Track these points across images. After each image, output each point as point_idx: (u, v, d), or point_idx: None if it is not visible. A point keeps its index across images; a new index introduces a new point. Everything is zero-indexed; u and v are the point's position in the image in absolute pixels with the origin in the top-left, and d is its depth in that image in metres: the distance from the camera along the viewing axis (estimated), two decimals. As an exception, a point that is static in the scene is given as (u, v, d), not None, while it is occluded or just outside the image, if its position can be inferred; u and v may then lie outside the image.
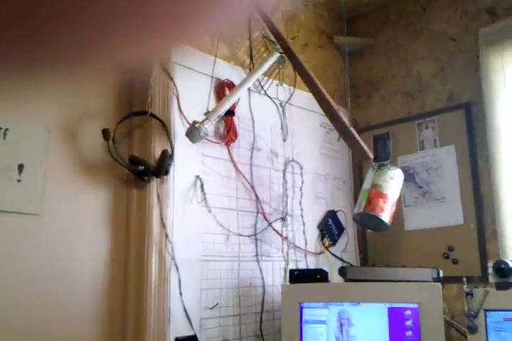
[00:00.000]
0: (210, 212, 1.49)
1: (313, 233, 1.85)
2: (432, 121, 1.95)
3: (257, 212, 1.64)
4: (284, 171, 1.79)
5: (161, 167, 1.32)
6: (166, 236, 1.33)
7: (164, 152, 1.34)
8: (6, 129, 1.16)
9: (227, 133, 1.60)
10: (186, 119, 1.47)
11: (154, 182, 1.34)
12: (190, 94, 1.51)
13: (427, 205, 1.89)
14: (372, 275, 1.40)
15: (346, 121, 1.55)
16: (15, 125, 1.19)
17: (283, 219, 1.73)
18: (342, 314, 1.36)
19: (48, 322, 1.16)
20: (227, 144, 1.60)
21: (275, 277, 1.64)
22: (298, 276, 1.48)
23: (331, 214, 1.96)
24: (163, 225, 1.33)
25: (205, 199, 1.48)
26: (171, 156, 1.36)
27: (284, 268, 1.67)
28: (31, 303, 1.15)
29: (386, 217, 1.51)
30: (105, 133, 1.28)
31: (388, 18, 2.18)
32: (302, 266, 1.76)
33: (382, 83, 2.15)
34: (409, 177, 1.95)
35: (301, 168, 1.86)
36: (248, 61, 1.74)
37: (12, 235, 1.15)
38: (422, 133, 1.96)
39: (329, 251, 1.89)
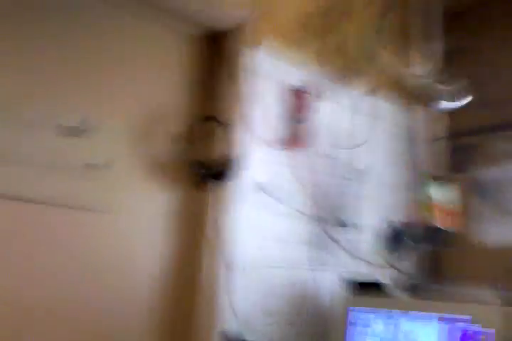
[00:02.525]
0: (272, 218, 1.51)
1: (372, 243, 1.81)
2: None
3: (319, 220, 1.64)
4: (349, 179, 1.77)
5: (225, 172, 1.36)
6: (225, 240, 1.36)
7: (229, 158, 1.38)
8: (90, 128, 1.27)
9: (295, 140, 1.61)
10: (255, 127, 1.49)
11: (218, 186, 1.38)
12: (262, 101, 1.54)
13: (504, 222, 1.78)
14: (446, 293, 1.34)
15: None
16: (99, 124, 1.29)
17: (343, 227, 1.71)
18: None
19: (110, 313, 1.25)
20: (294, 150, 1.61)
21: (332, 286, 1.62)
22: (357, 287, 1.46)
23: (395, 227, 1.90)
24: (224, 229, 1.36)
25: (268, 205, 1.50)
26: (236, 162, 1.39)
27: (341, 278, 1.65)
28: (96, 296, 1.24)
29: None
30: (177, 136, 1.35)
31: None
32: (361, 276, 1.72)
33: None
34: (487, 192, 1.84)
35: (367, 177, 1.83)
36: (321, 67, 1.74)
37: (85, 231, 1.24)
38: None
39: (390, 264, 1.83)
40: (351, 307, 1.38)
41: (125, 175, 1.33)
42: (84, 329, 1.21)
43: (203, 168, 1.35)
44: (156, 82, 1.43)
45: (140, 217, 1.34)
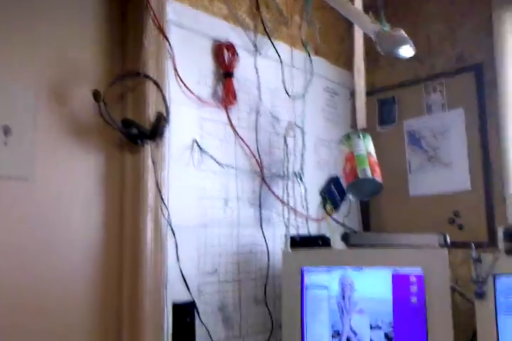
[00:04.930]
0: (207, 176, 1.44)
1: (314, 199, 1.80)
2: (440, 84, 1.87)
3: (257, 177, 1.60)
4: (285, 135, 1.73)
5: (156, 130, 1.26)
6: (162, 201, 1.28)
7: (159, 114, 1.28)
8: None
9: (226, 96, 1.53)
10: (183, 81, 1.40)
11: (149, 146, 1.29)
12: (187, 56, 1.44)
13: (433, 170, 1.83)
14: (376, 240, 1.36)
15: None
16: (9, 84, 1.13)
17: (284, 184, 1.69)
18: (344, 279, 1.33)
19: (41, 288, 1.14)
20: (226, 107, 1.54)
21: (276, 243, 1.60)
22: (299, 242, 1.44)
23: (334, 180, 1.90)
24: (159, 190, 1.28)
25: (202, 163, 1.43)
26: (166, 119, 1.30)
27: (284, 234, 1.63)
28: (23, 269, 1.12)
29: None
30: (96, 94, 1.22)
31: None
32: (303, 232, 1.72)
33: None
34: (415, 141, 1.89)
35: (303, 133, 1.80)
36: (248, 21, 1.65)
37: (4, 201, 1.11)
38: (430, 97, 1.89)
39: (331, 217, 1.85)
40: (304, 267, 1.37)
41: (43, 140, 1.19)
42: (18, 307, 1.09)
43: (132, 127, 1.24)
44: (68, 38, 1.28)
45: (65, 183, 1.22)
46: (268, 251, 1.56)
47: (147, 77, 1.31)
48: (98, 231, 1.26)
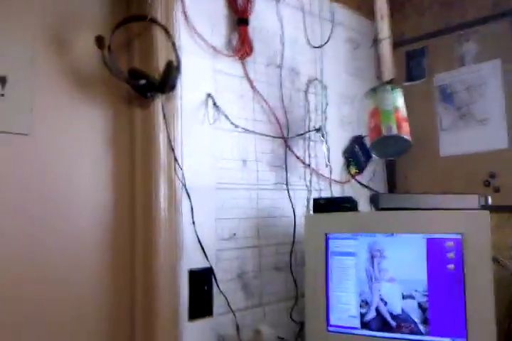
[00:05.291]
0: (223, 135, 1.32)
1: (338, 160, 1.68)
2: (474, 32, 1.70)
3: (277, 137, 1.47)
4: (306, 91, 1.59)
5: (167, 80, 1.13)
6: (176, 160, 1.17)
7: (169, 63, 1.14)
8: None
9: (242, 46, 1.38)
10: (194, 28, 1.26)
11: (159, 99, 1.16)
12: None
13: (466, 128, 1.69)
14: (409, 203, 1.24)
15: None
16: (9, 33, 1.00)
17: (305, 144, 1.56)
18: (373, 245, 1.22)
19: (45, 255, 1.04)
20: (242, 58, 1.39)
21: (298, 207, 1.49)
22: (323, 205, 1.33)
23: (358, 140, 1.78)
24: (172, 148, 1.16)
25: (218, 120, 1.30)
26: (178, 68, 1.16)
27: (307, 198, 1.52)
28: (25, 231, 1.02)
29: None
30: (99, 40, 1.09)
31: None
32: (327, 195, 1.61)
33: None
34: (447, 97, 1.74)
35: (325, 88, 1.66)
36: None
37: (3, 155, 1.00)
38: (463, 47, 1.72)
39: (356, 180, 1.73)
40: (329, 234, 1.26)
41: (43, 92, 1.07)
42: (19, 276, 1.00)
43: (140, 78, 1.11)
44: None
45: (69, 140, 1.10)
46: (294, 215, 1.45)
47: (154, 21, 1.16)
48: (107, 193, 1.15)
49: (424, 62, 1.81)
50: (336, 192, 1.64)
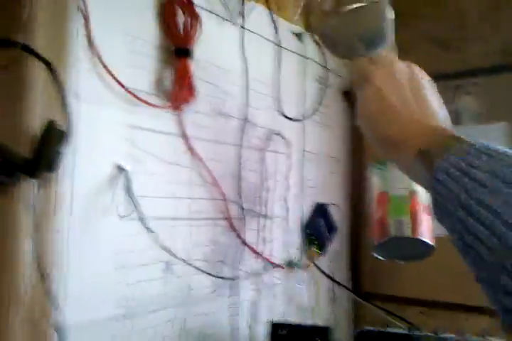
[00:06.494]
0: (139, 230, 0.84)
1: (294, 239, 1.26)
2: (475, 84, 1.35)
3: (221, 220, 1.02)
4: (263, 150, 1.16)
5: (42, 156, 0.65)
6: (46, 292, 0.68)
7: (50, 126, 0.66)
8: None
9: (180, 88, 0.92)
10: (102, 61, 0.78)
11: (31, 186, 0.68)
12: (113, 16, 0.82)
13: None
14: None
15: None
16: None
17: (260, 225, 1.13)
18: None
19: None
20: (178, 108, 0.94)
21: (241, 321, 1.05)
22: (285, 337, 0.89)
23: (322, 210, 1.37)
24: (42, 270, 0.68)
25: (135, 208, 0.83)
26: (63, 135, 0.69)
27: (254, 306, 1.08)
28: None
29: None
30: None
31: None
32: (279, 291, 1.18)
33: (405, 25, 1.50)
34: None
35: (290, 145, 1.24)
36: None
37: None
38: (460, 102, 1.36)
39: (316, 265, 1.31)
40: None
41: None
42: None
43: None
44: None
45: None
46: None
47: (29, 50, 0.68)
48: None
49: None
50: (291, 284, 1.22)
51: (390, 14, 0.83)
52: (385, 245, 0.94)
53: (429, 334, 0.90)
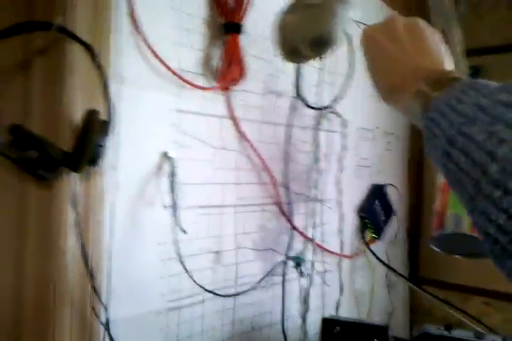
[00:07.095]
0: (187, 218, 0.81)
1: (349, 223, 1.20)
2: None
3: (270, 206, 0.97)
4: (315, 129, 1.09)
5: (84, 150, 0.61)
6: (93, 287, 0.66)
7: (90, 117, 0.62)
8: None
9: (228, 66, 0.86)
10: (147, 41, 0.73)
11: (73, 180, 0.64)
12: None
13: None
14: None
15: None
16: None
17: (309, 210, 1.07)
18: None
19: None
20: (226, 88, 0.87)
21: (290, 311, 1.01)
22: (340, 334, 0.85)
23: (378, 192, 1.30)
24: (88, 265, 0.65)
25: (181, 198, 0.79)
26: (106, 126, 0.64)
27: (303, 297, 1.04)
28: None
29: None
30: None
31: None
32: (333, 280, 1.13)
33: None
34: None
35: (346, 124, 1.15)
36: None
37: None
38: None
39: (371, 251, 1.25)
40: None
41: None
42: None
43: (27, 147, 0.59)
44: None
45: None
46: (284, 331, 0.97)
47: (65, 32, 0.63)
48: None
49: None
50: (345, 271, 1.17)
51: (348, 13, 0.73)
52: (442, 239, 0.87)
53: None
